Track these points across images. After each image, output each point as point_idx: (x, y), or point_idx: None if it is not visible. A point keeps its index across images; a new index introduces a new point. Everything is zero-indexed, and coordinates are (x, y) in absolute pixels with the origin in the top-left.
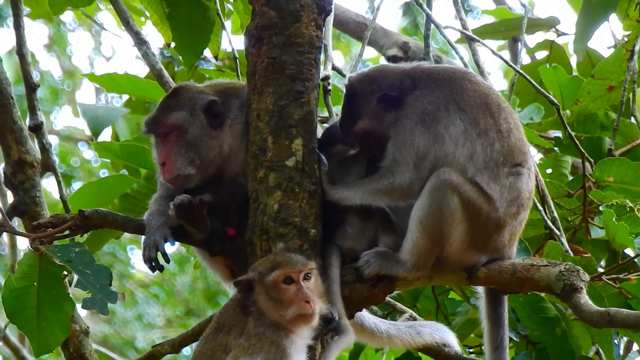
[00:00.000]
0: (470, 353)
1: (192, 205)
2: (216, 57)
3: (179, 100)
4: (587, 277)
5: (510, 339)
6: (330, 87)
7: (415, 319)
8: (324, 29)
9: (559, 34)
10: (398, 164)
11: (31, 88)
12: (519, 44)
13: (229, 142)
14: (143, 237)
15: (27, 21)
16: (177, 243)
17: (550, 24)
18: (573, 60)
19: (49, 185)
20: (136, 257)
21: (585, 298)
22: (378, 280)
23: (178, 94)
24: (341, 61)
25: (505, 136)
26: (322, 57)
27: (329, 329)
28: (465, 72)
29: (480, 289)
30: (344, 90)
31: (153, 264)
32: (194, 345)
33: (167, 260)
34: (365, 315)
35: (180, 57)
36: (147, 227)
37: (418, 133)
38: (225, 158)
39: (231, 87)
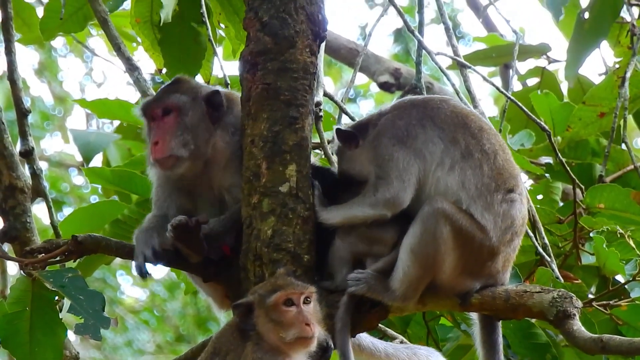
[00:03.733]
0: None
1: (188, 226)
2: (208, 83)
3: (181, 87)
4: (579, 303)
5: None
6: (321, 113)
7: None
8: (318, 55)
9: (550, 60)
10: (380, 179)
11: (22, 114)
12: (511, 70)
13: (221, 143)
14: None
15: (18, 46)
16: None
17: (541, 50)
18: (564, 87)
19: (39, 211)
20: (126, 282)
21: (578, 324)
22: (372, 306)
23: (180, 82)
24: (332, 87)
25: (492, 157)
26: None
27: (325, 357)
28: (442, 97)
29: (474, 316)
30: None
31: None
32: None
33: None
34: (362, 335)
35: None
36: (135, 241)
37: (395, 148)
38: (214, 156)
39: (232, 95)
